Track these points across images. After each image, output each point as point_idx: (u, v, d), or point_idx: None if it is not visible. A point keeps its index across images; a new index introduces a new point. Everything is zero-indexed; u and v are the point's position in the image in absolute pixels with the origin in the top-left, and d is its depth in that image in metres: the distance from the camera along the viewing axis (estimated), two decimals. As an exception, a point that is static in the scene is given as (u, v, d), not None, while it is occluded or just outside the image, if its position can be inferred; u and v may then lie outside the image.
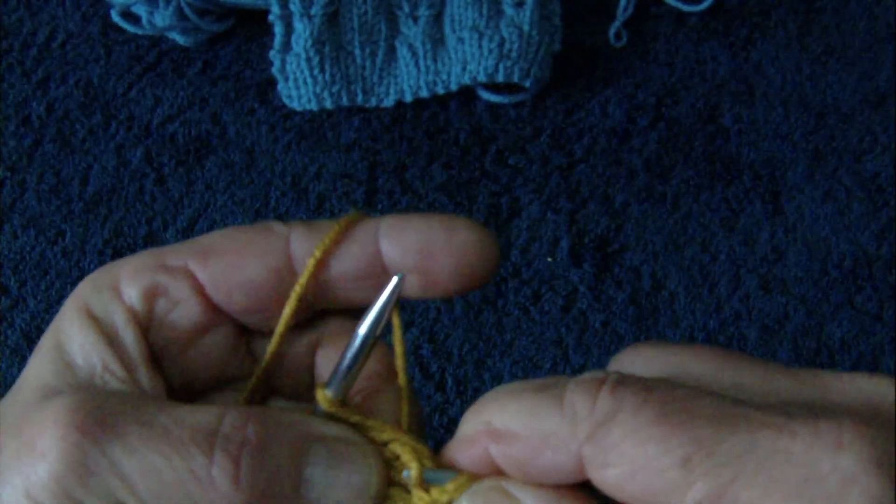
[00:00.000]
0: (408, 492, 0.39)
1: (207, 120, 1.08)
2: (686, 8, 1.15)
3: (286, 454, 0.38)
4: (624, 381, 0.32)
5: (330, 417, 0.41)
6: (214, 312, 0.44)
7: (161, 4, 1.10)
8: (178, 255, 0.43)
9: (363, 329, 0.40)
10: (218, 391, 0.46)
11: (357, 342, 0.40)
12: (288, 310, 0.44)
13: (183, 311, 0.43)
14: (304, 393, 0.47)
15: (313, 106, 1.08)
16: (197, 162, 1.06)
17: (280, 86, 1.09)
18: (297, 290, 0.43)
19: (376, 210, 1.01)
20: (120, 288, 0.42)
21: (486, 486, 0.37)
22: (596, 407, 0.32)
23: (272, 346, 0.44)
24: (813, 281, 0.97)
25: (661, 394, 0.32)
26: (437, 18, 1.11)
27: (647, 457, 0.31)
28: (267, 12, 1.09)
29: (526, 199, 1.02)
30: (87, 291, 0.42)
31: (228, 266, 0.42)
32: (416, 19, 1.11)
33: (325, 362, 0.46)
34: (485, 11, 1.08)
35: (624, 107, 1.08)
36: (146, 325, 0.42)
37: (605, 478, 0.32)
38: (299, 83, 1.08)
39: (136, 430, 0.37)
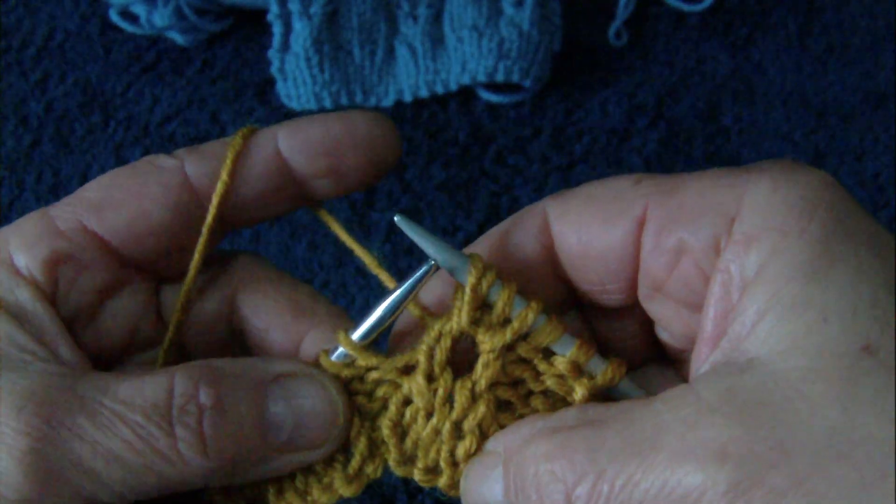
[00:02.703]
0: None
1: (206, 119, 1.08)
2: (686, 8, 1.14)
3: (246, 405, 0.37)
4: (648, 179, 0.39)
5: (347, 365, 0.40)
6: (123, 269, 0.41)
7: (160, 4, 1.10)
8: (68, 215, 0.40)
9: (396, 294, 0.39)
10: (132, 355, 0.43)
11: (389, 302, 0.39)
12: (202, 240, 0.41)
13: (90, 274, 0.40)
14: (220, 349, 0.45)
15: (312, 105, 1.08)
16: (196, 162, 1.05)
17: (279, 85, 1.08)
18: (209, 220, 0.41)
19: (376, 210, 1.01)
20: (14, 262, 0.39)
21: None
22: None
23: (190, 276, 0.42)
24: (813, 281, 0.97)
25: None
26: (437, 18, 1.10)
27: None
28: (266, 12, 1.09)
29: (526, 199, 1.02)
30: None
31: (130, 215, 0.40)
32: (415, 18, 1.10)
33: (252, 308, 0.43)
34: (484, 11, 1.07)
35: (624, 107, 1.08)
36: (51, 295, 0.39)
37: None
38: (298, 83, 1.08)
39: (88, 421, 0.35)
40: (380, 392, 0.40)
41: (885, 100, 1.08)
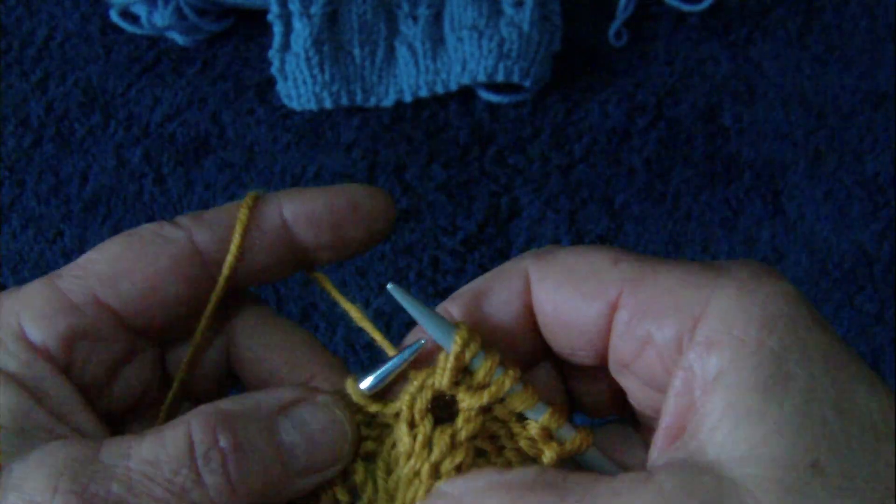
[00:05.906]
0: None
1: (206, 120, 1.08)
2: (686, 8, 1.15)
3: (262, 440, 0.38)
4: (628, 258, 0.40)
5: (357, 409, 0.42)
6: (136, 339, 0.42)
7: (160, 4, 1.10)
8: (80, 287, 0.40)
9: (388, 365, 0.42)
10: (138, 413, 0.44)
11: (399, 359, 0.42)
12: (210, 307, 0.43)
13: (106, 347, 0.41)
14: (219, 390, 0.47)
15: (312, 105, 1.08)
16: (196, 162, 1.05)
17: (279, 85, 1.09)
18: (218, 290, 0.42)
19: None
20: (28, 336, 0.39)
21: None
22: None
23: (196, 341, 0.43)
24: (813, 281, 0.97)
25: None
26: (437, 18, 1.10)
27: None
28: (266, 12, 1.09)
29: (526, 199, 1.02)
30: None
31: (143, 287, 0.41)
32: (415, 19, 1.10)
33: (250, 359, 0.45)
34: (484, 11, 1.07)
35: (624, 107, 1.08)
36: (66, 368, 0.40)
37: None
38: (298, 83, 1.08)
39: (121, 487, 0.36)
40: (383, 434, 0.43)
41: (885, 100, 1.08)
